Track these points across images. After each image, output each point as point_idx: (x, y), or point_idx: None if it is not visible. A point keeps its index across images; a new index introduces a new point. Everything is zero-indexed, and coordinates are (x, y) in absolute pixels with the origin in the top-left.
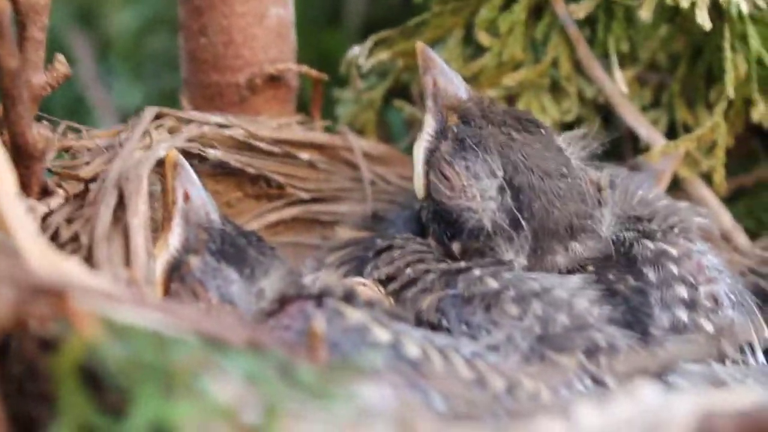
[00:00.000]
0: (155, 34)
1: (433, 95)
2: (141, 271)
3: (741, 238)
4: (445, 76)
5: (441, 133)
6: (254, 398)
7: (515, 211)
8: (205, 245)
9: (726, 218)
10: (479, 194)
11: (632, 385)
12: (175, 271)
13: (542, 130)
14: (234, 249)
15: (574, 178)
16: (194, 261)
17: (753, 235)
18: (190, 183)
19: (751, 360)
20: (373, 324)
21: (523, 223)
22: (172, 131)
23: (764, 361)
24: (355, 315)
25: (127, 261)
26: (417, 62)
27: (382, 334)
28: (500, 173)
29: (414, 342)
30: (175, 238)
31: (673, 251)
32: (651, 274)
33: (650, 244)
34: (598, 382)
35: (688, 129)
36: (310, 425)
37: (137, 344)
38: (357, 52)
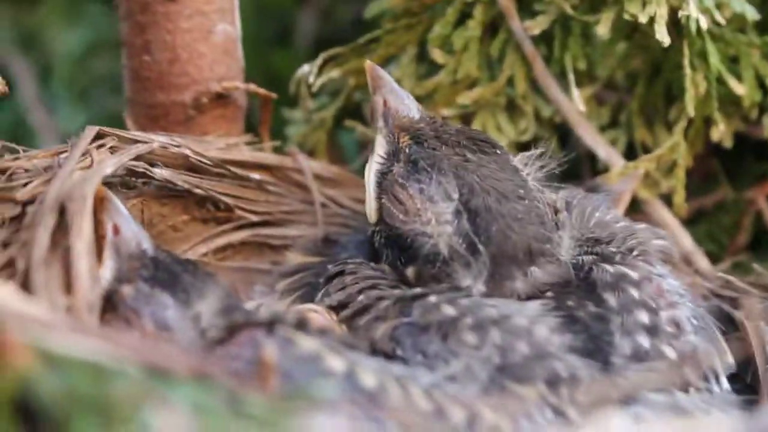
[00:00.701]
0: (99, 56)
1: (383, 116)
2: (84, 297)
3: (702, 261)
4: (396, 96)
5: (393, 155)
6: (200, 431)
7: (472, 235)
8: (137, 273)
9: (686, 241)
10: (434, 218)
11: (600, 415)
12: (108, 303)
13: (497, 151)
14: (167, 275)
15: (531, 200)
16: (126, 290)
17: (714, 257)
18: (118, 216)
19: (714, 387)
20: (326, 353)
21: (481, 247)
22: (113, 151)
23: (728, 388)
24: (307, 343)
25: (68, 286)
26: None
27: (336, 363)
28: (456, 196)
29: (370, 371)
30: (106, 270)
31: (633, 275)
32: (611, 300)
33: (609, 268)
34: (559, 413)
35: (647, 149)
36: None
37: (74, 375)
38: (307, 70)
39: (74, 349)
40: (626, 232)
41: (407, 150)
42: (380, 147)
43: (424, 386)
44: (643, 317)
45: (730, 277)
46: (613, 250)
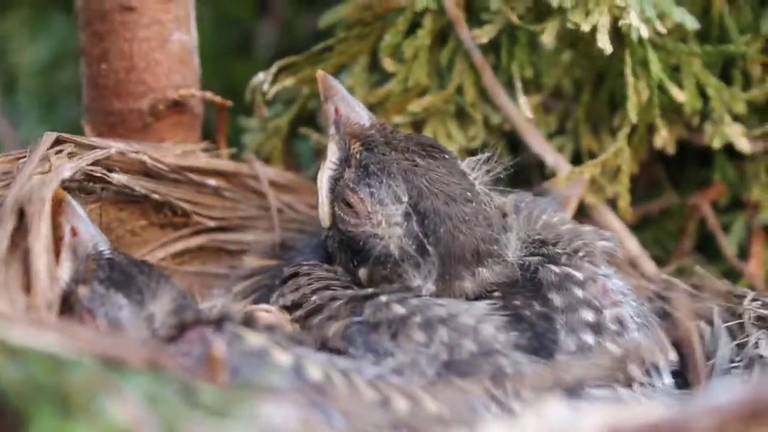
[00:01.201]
0: (63, 67)
1: (335, 123)
2: (42, 296)
3: (648, 265)
4: (347, 104)
5: (345, 161)
6: (154, 419)
7: (421, 236)
8: (94, 274)
9: (632, 244)
10: (385, 220)
11: (539, 402)
12: (65, 303)
13: (445, 156)
14: (123, 276)
15: (479, 203)
16: (82, 290)
17: (660, 262)
18: (76, 218)
19: (657, 382)
20: (273, 347)
21: (430, 248)
22: (72, 156)
23: (670, 383)
24: (254, 339)
25: (27, 286)
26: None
27: (283, 357)
28: (405, 198)
29: (316, 365)
30: (63, 271)
31: (578, 275)
32: (556, 299)
33: (555, 269)
34: (503, 407)
35: (593, 155)
36: None
37: (33, 366)
38: (261, 78)
39: (33, 341)
40: (572, 234)
41: (358, 156)
42: (332, 154)
43: (370, 377)
44: (588, 315)
45: (674, 279)
46: (559, 251)
